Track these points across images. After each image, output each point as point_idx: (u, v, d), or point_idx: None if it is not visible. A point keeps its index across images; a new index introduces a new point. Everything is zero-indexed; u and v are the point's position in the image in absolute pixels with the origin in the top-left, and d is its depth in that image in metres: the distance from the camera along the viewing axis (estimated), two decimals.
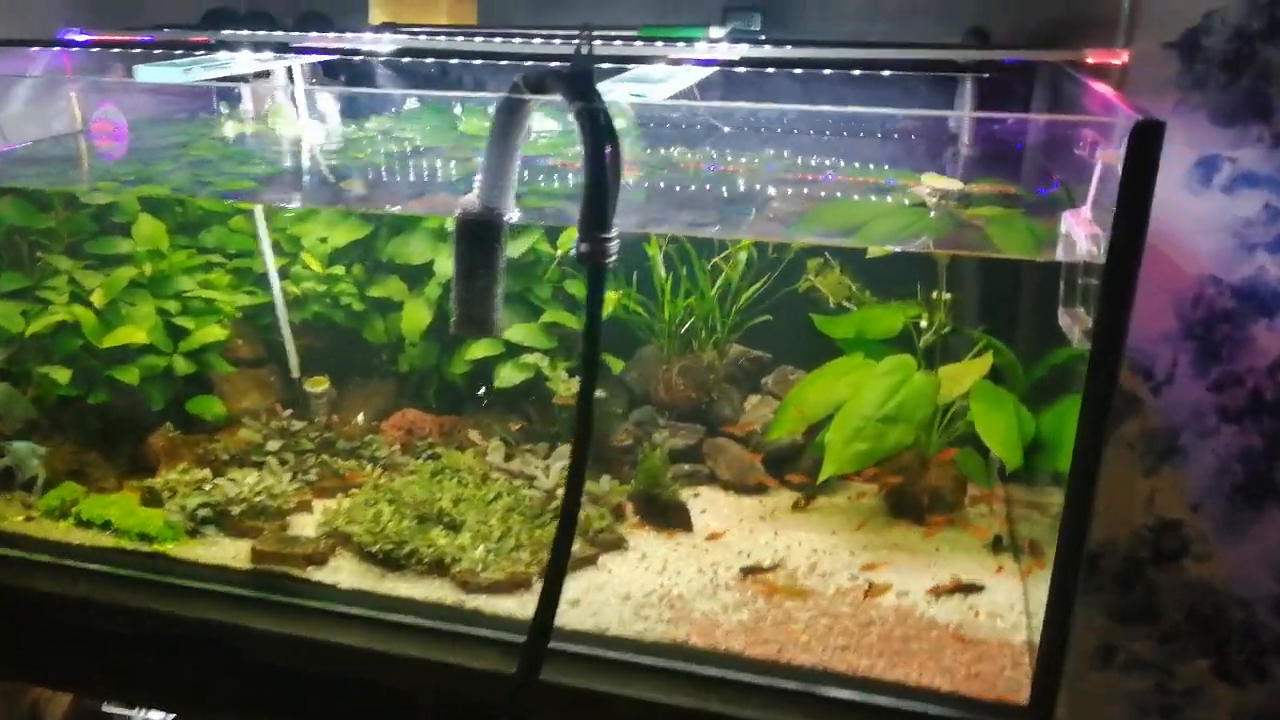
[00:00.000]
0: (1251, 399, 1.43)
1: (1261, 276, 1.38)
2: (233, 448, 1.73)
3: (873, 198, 1.40)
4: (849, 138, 1.54)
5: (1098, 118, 1.14)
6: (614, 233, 1.04)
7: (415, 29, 1.77)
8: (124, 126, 1.72)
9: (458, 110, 1.76)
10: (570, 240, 1.76)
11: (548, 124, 1.57)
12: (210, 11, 2.01)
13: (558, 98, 1.04)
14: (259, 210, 1.79)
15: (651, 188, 1.47)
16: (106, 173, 1.63)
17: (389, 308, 1.86)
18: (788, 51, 1.49)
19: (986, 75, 1.50)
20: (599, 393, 1.76)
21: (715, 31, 1.62)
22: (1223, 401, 1.44)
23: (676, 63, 1.33)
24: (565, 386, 1.76)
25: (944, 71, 1.47)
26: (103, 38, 1.72)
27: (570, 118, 1.01)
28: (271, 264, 1.81)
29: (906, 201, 1.37)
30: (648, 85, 1.23)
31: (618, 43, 1.60)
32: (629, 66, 1.31)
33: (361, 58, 1.67)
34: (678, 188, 1.48)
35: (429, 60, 1.70)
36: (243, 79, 1.70)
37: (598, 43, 1.58)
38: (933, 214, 1.32)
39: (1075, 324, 1.10)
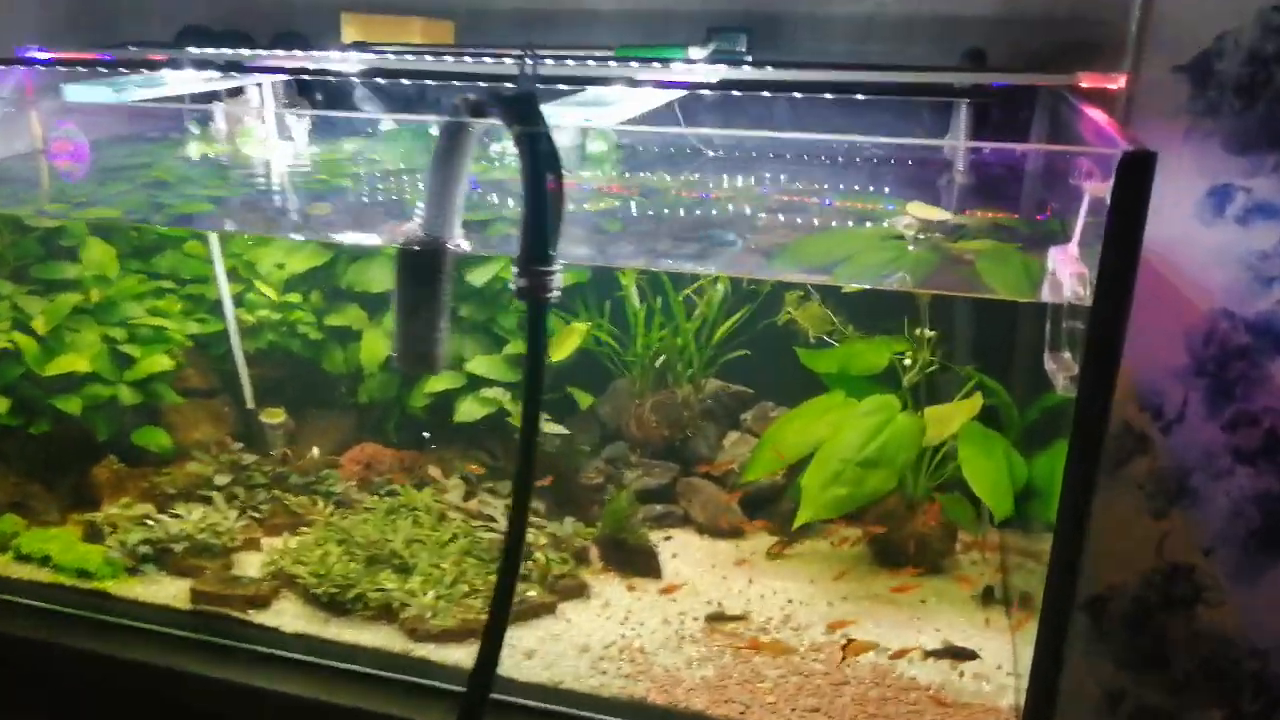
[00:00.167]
0: (1267, 439, 1.41)
1: (1279, 311, 1.31)
2: (180, 481, 1.66)
3: (858, 226, 1.32)
4: (838, 164, 1.48)
5: (1082, 148, 1.05)
6: (555, 266, 0.96)
7: (387, 49, 1.71)
8: (85, 146, 1.66)
9: (434, 132, 1.69)
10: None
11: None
12: (185, 30, 1.95)
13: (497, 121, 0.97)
14: (213, 235, 1.72)
15: (625, 216, 1.39)
16: (61, 194, 1.56)
17: (348, 337, 1.79)
18: (769, 74, 1.41)
19: (980, 100, 1.42)
20: (560, 429, 1.69)
21: (696, 52, 1.54)
22: (1236, 442, 1.41)
23: (635, 84, 1.25)
24: None
25: (928, 96, 1.39)
26: (63, 55, 1.66)
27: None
28: (225, 290, 1.75)
29: (894, 233, 1.28)
30: (599, 109, 1.15)
31: (591, 63, 1.53)
32: (584, 88, 1.23)
33: (334, 78, 1.60)
34: (651, 213, 1.41)
35: (404, 81, 1.63)
36: (215, 97, 1.64)
37: (570, 63, 1.52)
38: (912, 248, 1.23)
39: (1060, 370, 1.01)
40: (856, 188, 1.44)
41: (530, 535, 1.55)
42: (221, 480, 1.67)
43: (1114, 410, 1.43)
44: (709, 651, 1.38)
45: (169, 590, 1.49)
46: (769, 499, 1.69)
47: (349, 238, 1.44)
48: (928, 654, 1.37)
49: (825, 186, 1.45)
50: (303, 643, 1.39)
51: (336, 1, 1.74)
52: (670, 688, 1.30)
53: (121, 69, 1.57)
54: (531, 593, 1.46)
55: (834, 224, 1.34)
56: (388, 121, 1.77)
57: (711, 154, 1.60)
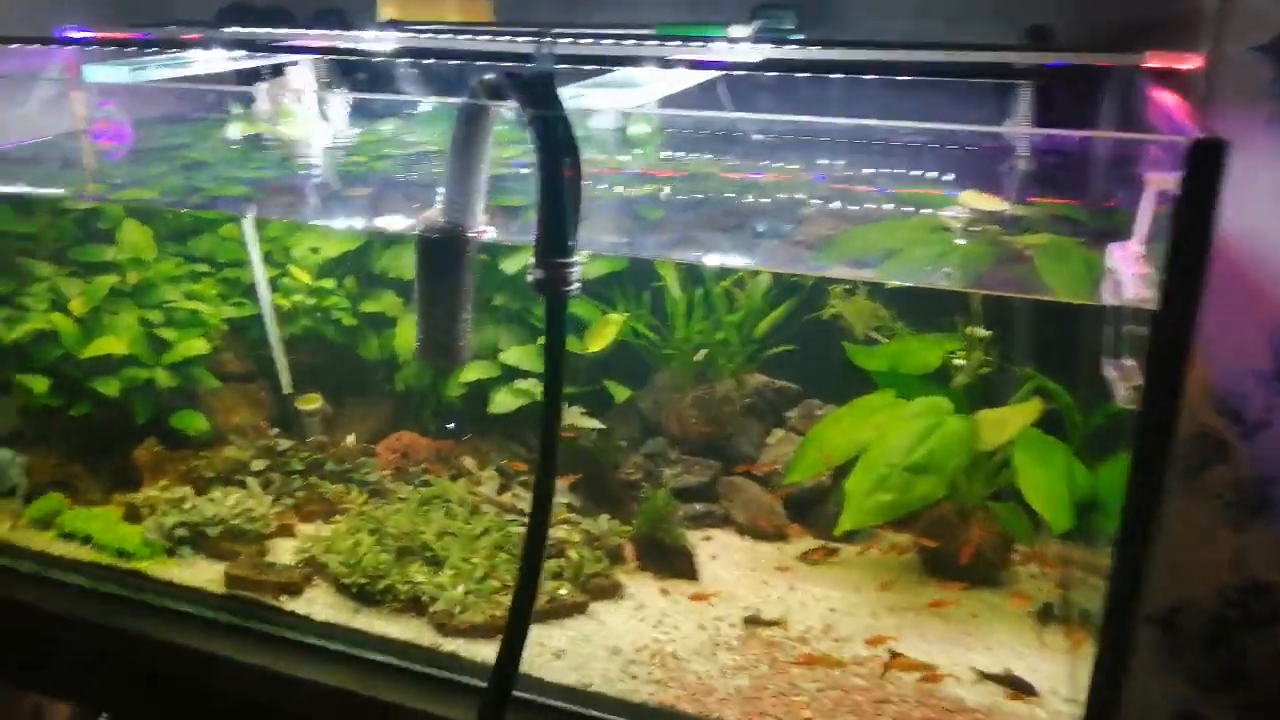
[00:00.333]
0: None
1: None
2: (217, 465, 1.66)
3: (909, 217, 1.24)
4: (893, 149, 1.39)
5: (1148, 135, 0.96)
6: (574, 257, 0.91)
7: (423, 27, 1.66)
8: (126, 127, 1.65)
9: None
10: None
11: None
12: (227, 7, 1.94)
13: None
14: (249, 219, 1.71)
15: (664, 204, 1.33)
16: (98, 175, 1.56)
17: (383, 323, 1.76)
18: (811, 53, 1.33)
19: (1043, 81, 1.32)
20: (596, 423, 1.64)
21: (737, 30, 1.47)
22: None
23: (668, 64, 1.18)
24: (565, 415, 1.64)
25: (983, 77, 1.29)
26: (101, 35, 1.65)
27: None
28: (261, 275, 1.73)
29: (942, 225, 1.20)
30: (627, 91, 1.09)
31: (630, 42, 1.47)
32: (613, 69, 1.17)
33: (358, 58, 1.56)
34: (691, 197, 1.34)
35: (442, 61, 1.59)
36: (256, 76, 1.62)
37: (608, 41, 1.46)
38: (964, 241, 1.15)
39: (1121, 379, 0.92)
40: (915, 174, 1.35)
41: (564, 532, 1.51)
42: (258, 465, 1.66)
43: (1190, 415, 1.33)
44: (744, 660, 1.32)
45: (204, 573, 1.49)
46: (814, 501, 1.62)
47: (377, 223, 1.40)
48: (981, 676, 1.29)
49: (880, 173, 1.36)
50: (332, 632, 1.37)
51: None
52: (702, 696, 1.25)
53: (149, 49, 1.55)
54: (563, 591, 1.42)
55: (888, 212, 1.26)
56: (427, 103, 1.73)
57: (757, 137, 1.53)
